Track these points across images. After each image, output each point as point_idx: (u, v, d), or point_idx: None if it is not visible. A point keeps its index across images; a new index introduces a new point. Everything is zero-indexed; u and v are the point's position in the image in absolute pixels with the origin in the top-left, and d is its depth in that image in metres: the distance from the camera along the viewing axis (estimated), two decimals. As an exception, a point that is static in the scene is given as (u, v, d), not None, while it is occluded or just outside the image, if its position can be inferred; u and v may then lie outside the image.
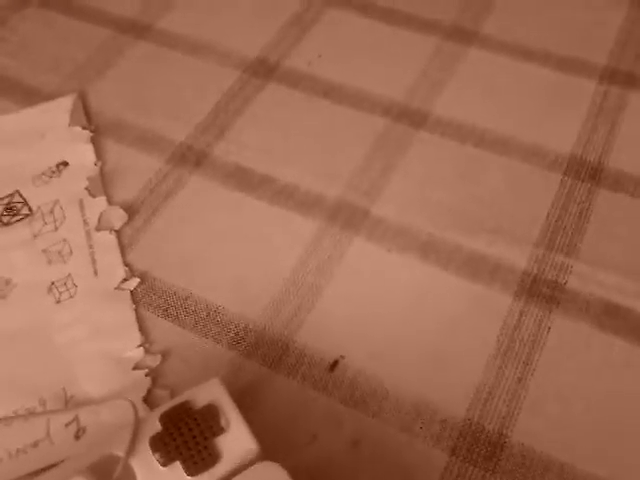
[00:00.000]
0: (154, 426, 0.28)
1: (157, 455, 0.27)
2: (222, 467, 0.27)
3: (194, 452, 0.27)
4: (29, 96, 0.44)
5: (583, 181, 0.38)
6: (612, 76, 0.43)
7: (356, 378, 0.32)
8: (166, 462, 0.27)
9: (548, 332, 0.33)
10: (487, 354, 0.32)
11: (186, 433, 0.28)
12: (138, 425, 0.28)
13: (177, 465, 0.27)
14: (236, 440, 0.27)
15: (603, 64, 0.43)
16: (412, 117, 0.41)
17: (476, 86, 0.43)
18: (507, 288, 0.34)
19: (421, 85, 0.43)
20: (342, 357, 0.32)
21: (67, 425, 0.31)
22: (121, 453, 0.27)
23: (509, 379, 0.31)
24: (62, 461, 0.28)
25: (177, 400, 0.29)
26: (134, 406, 0.30)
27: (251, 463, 0.27)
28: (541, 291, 0.34)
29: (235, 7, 0.48)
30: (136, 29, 0.48)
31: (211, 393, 0.29)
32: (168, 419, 0.28)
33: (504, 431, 0.30)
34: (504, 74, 0.43)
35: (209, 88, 0.44)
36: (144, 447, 0.28)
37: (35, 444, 0.31)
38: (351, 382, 0.31)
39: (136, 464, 0.27)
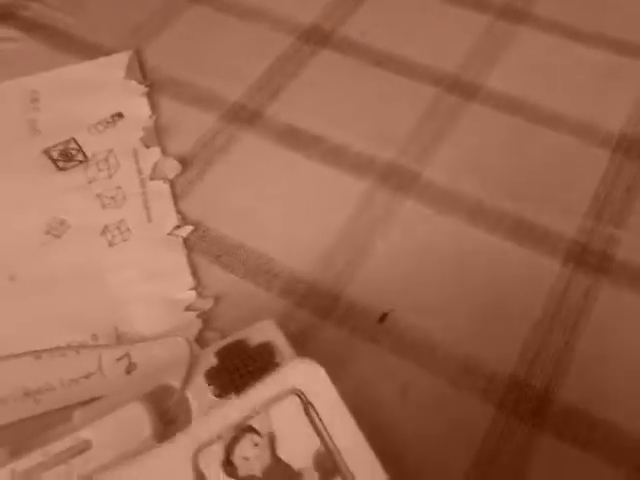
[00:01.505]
0: (209, 360, 0.29)
1: (212, 387, 0.28)
2: (276, 402, 0.28)
3: (249, 386, 0.28)
4: (88, 51, 0.45)
5: (632, 159, 0.38)
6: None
7: (405, 330, 0.32)
8: (221, 394, 0.27)
9: (595, 301, 0.33)
10: (534, 316, 0.32)
11: (241, 367, 0.28)
12: (194, 358, 0.29)
13: (231, 398, 0.27)
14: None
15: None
16: (464, 88, 0.42)
17: (527, 63, 0.43)
18: (555, 255, 0.34)
19: (473, 59, 0.44)
20: (392, 310, 0.33)
21: (118, 360, 0.32)
22: (176, 384, 0.28)
23: (556, 341, 0.32)
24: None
25: (232, 337, 0.29)
26: (189, 341, 0.31)
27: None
28: (589, 260, 0.34)
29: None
30: (192, -8, 0.48)
31: (266, 332, 0.29)
32: (224, 354, 0.29)
33: (550, 388, 0.30)
34: (555, 53, 0.44)
35: (263, 51, 0.44)
36: (199, 380, 0.28)
37: (87, 376, 0.31)
38: (401, 333, 0.32)
39: (191, 395, 0.28)
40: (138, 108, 0.41)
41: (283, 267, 0.35)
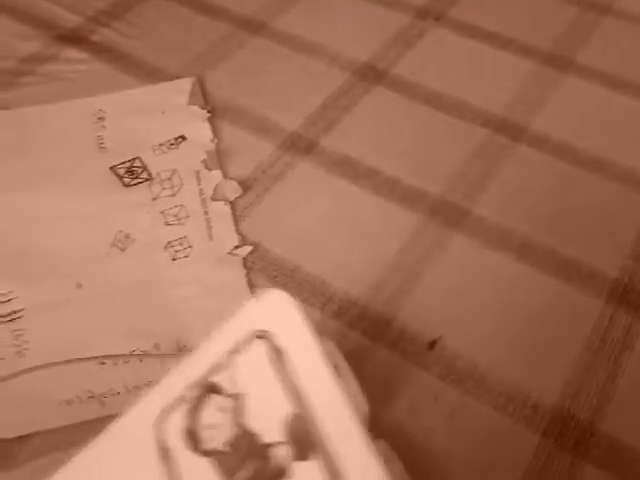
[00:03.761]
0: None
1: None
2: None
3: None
4: (151, 75, 0.47)
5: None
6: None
7: (453, 358, 0.33)
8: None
9: (637, 337, 0.34)
10: (577, 351, 0.34)
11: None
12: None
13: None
14: (348, 390, 0.29)
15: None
16: (511, 130, 0.44)
17: (572, 110, 0.45)
18: (599, 293, 0.36)
19: (520, 103, 0.46)
20: (440, 337, 0.34)
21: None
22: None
23: (599, 375, 0.33)
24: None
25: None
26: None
27: (362, 421, 0.29)
28: (631, 299, 0.36)
29: (349, 15, 0.52)
30: (253, 26, 0.51)
31: (325, 350, 0.31)
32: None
33: (594, 421, 0.31)
34: (599, 102, 0.46)
35: (319, 85, 0.47)
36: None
37: (149, 383, 0.33)
38: (449, 361, 0.33)
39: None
40: (200, 132, 0.43)
41: (336, 290, 0.36)
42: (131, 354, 0.34)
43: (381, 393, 0.32)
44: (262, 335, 0.22)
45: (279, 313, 0.22)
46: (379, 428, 0.30)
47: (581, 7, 0.53)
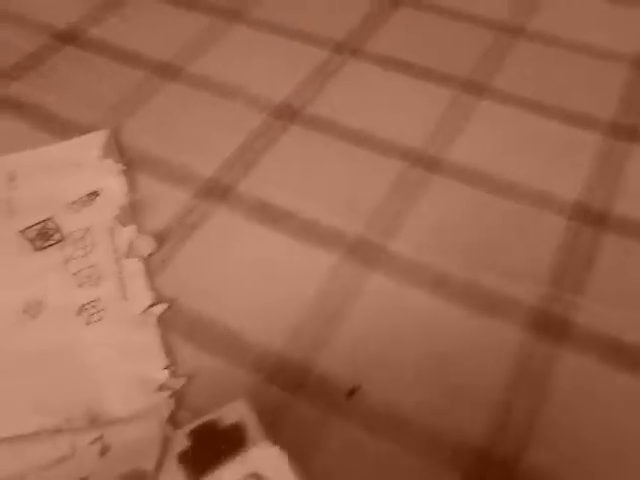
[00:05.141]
0: (182, 442, 0.29)
1: (185, 470, 0.28)
2: (247, 483, 0.28)
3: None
4: (65, 129, 0.46)
5: (588, 226, 0.40)
6: (615, 131, 0.45)
7: (374, 405, 0.33)
8: (194, 477, 0.28)
9: (558, 366, 0.34)
10: (499, 387, 0.33)
11: (213, 449, 0.29)
12: (166, 440, 0.29)
13: (203, 480, 0.28)
14: (263, 454, 0.29)
15: (608, 119, 0.46)
16: (428, 162, 0.44)
17: (488, 135, 0.45)
18: (516, 322, 0.36)
19: (437, 133, 0.45)
20: (360, 385, 0.34)
21: (93, 442, 0.32)
22: (149, 468, 0.29)
23: (523, 409, 0.33)
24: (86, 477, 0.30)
25: (204, 418, 0.30)
26: (161, 423, 0.31)
27: None
28: (550, 326, 0.36)
29: (264, 53, 0.51)
30: (169, 71, 0.50)
31: (237, 413, 0.30)
32: (195, 436, 0.29)
33: (518, 457, 0.31)
34: (514, 125, 0.46)
35: (236, 128, 0.46)
36: (172, 463, 0.29)
37: (61, 460, 0.32)
38: (369, 409, 0.33)
39: (164, 479, 0.28)
40: (114, 186, 0.42)
41: (255, 342, 0.35)
42: (40, 432, 0.33)
43: (301, 447, 0.32)
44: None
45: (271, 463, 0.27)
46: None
47: (494, 31, 0.53)
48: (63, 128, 0.46)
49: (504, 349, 0.35)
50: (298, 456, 0.30)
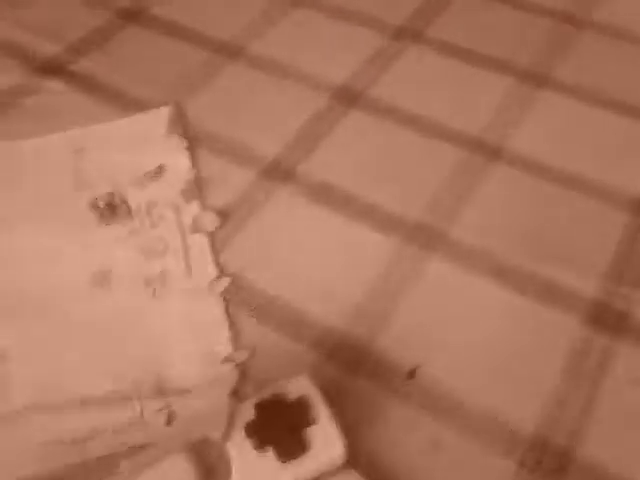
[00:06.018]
0: (248, 414, 0.30)
1: (251, 440, 0.29)
2: (311, 457, 0.29)
3: (286, 440, 0.29)
4: (130, 105, 0.47)
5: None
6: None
7: (433, 386, 0.34)
8: (260, 448, 0.29)
9: (615, 360, 0.34)
10: (556, 376, 0.34)
11: (279, 422, 0.30)
12: (232, 411, 0.30)
13: (269, 452, 0.29)
14: (325, 433, 0.29)
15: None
16: (488, 150, 0.44)
17: (549, 127, 0.45)
18: (576, 315, 0.36)
19: (497, 122, 0.46)
20: (419, 366, 0.34)
21: (159, 410, 0.33)
22: (216, 437, 0.30)
23: (578, 400, 0.33)
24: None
25: (269, 391, 0.31)
26: (228, 395, 0.32)
27: (338, 459, 0.30)
28: (608, 320, 0.36)
29: (325, 36, 0.52)
30: (230, 51, 0.51)
31: (301, 387, 0.31)
32: (262, 408, 0.30)
33: (572, 447, 0.31)
34: (577, 118, 0.46)
35: (297, 110, 0.47)
36: (238, 433, 0.30)
37: (129, 425, 0.33)
38: (427, 390, 0.33)
39: (231, 448, 0.29)
40: (179, 162, 0.44)
41: (316, 320, 0.36)
42: (111, 396, 0.34)
43: (360, 424, 0.32)
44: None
45: None
46: (357, 459, 0.30)
47: (557, 20, 0.53)
48: (128, 104, 0.47)
49: (562, 340, 0.35)
50: (352, 431, 0.31)
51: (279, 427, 0.30)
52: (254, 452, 0.29)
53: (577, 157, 0.43)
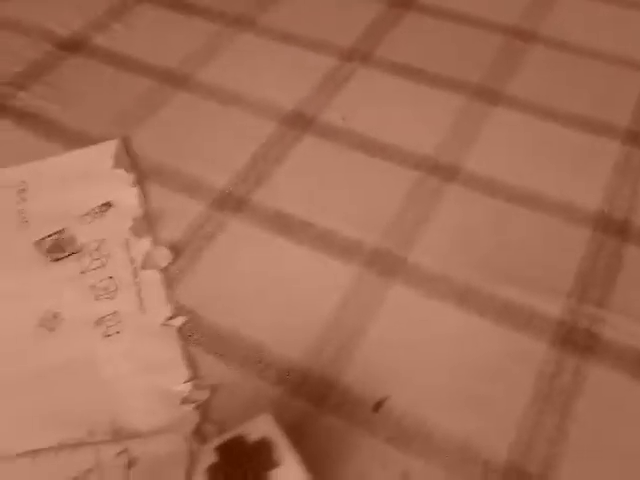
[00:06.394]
0: (210, 457, 0.29)
1: (214, 484, 0.28)
2: (278, 500, 0.28)
3: (249, 483, 0.28)
4: (75, 140, 0.46)
5: (611, 236, 0.40)
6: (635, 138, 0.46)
7: (401, 418, 0.33)
8: (223, 492, 0.28)
9: (585, 381, 0.34)
10: (526, 399, 0.33)
11: (242, 465, 0.28)
12: (193, 454, 0.29)
13: (233, 496, 0.28)
14: (290, 474, 0.28)
15: (625, 126, 0.46)
16: (443, 171, 0.44)
17: (503, 143, 0.45)
18: (542, 336, 0.36)
19: (451, 141, 0.45)
20: (386, 398, 0.33)
21: (118, 455, 0.32)
22: (178, 482, 0.28)
23: (548, 425, 0.32)
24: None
25: (231, 433, 0.30)
26: (187, 438, 0.31)
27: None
28: (576, 340, 0.35)
29: (273, 61, 0.51)
30: (177, 79, 0.50)
31: (263, 428, 0.30)
32: (224, 451, 0.29)
33: (546, 473, 0.31)
34: (531, 132, 0.46)
35: (247, 137, 0.46)
36: (200, 477, 0.28)
37: (85, 473, 0.31)
38: (395, 422, 0.32)
39: (193, 494, 0.28)
40: (127, 197, 0.42)
41: (276, 355, 0.35)
42: (64, 445, 0.32)
43: (328, 462, 0.31)
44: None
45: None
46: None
47: (507, 36, 0.53)
48: (72, 138, 0.46)
49: (530, 362, 0.35)
50: (321, 470, 0.30)
51: (242, 470, 0.28)
52: (217, 499, 0.28)
53: (534, 174, 0.43)
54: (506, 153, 0.45)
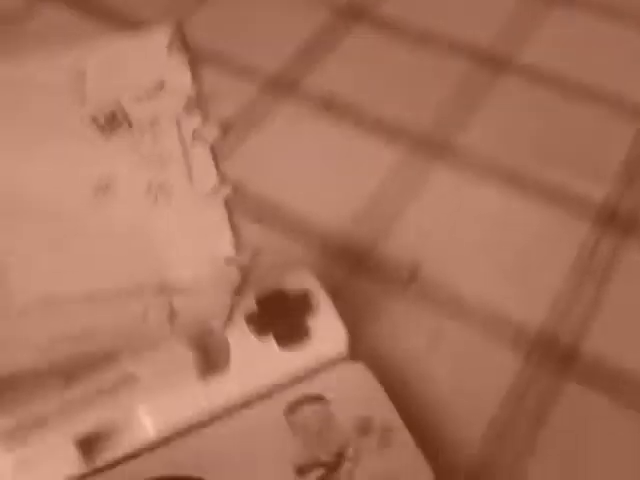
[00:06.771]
0: (249, 305, 0.30)
1: (252, 327, 0.29)
2: (313, 344, 0.29)
3: (287, 327, 0.29)
4: (130, 24, 0.46)
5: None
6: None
7: (436, 286, 0.33)
8: (260, 333, 0.29)
9: (622, 259, 0.34)
10: (563, 272, 0.33)
11: (280, 311, 0.30)
12: (234, 304, 0.30)
13: (270, 338, 0.29)
14: (327, 322, 0.29)
15: None
16: (497, 61, 0.43)
17: (560, 39, 0.44)
18: (585, 217, 0.35)
19: (505, 34, 0.45)
20: (422, 266, 0.34)
21: (161, 307, 0.33)
22: (216, 326, 0.30)
23: (584, 295, 0.32)
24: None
25: (270, 284, 0.31)
26: (228, 291, 0.32)
27: (340, 347, 0.29)
28: (618, 222, 0.35)
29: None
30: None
31: (303, 281, 0.31)
32: (264, 300, 0.30)
33: (579, 341, 0.31)
34: (591, 30, 0.45)
35: (300, 24, 0.46)
36: (239, 321, 0.30)
37: (132, 321, 0.33)
38: (431, 289, 0.33)
39: (231, 335, 0.29)
40: (180, 78, 0.43)
41: (318, 226, 0.36)
42: (114, 293, 0.34)
43: (363, 321, 0.32)
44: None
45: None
46: (360, 353, 0.30)
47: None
48: (127, 23, 0.47)
49: (570, 240, 0.35)
50: (354, 326, 0.30)
51: (280, 316, 0.29)
52: (254, 339, 0.29)
53: (587, 67, 0.42)
54: (561, 48, 0.44)
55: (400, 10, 0.46)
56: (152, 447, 0.27)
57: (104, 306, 0.33)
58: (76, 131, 0.41)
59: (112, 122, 0.41)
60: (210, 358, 0.28)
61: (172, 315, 0.33)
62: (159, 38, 0.45)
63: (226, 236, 0.35)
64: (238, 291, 0.34)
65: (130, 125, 0.41)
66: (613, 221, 0.35)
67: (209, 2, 0.48)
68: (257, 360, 0.28)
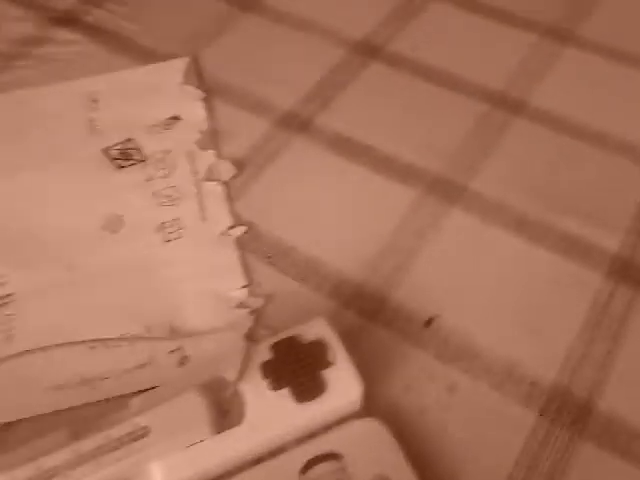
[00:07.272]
0: (264, 354, 0.30)
1: (268, 380, 0.29)
2: (328, 398, 0.28)
3: (303, 380, 0.29)
4: (145, 56, 0.46)
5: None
6: None
7: (450, 335, 0.33)
8: (276, 387, 0.29)
9: (636, 312, 0.34)
10: (576, 327, 0.33)
11: (295, 363, 0.29)
12: (248, 352, 0.30)
13: (285, 392, 0.28)
14: (342, 375, 0.29)
15: None
16: (510, 104, 0.43)
17: (573, 83, 0.44)
18: (598, 268, 0.35)
19: (520, 76, 0.45)
20: (437, 315, 0.34)
21: (172, 352, 0.33)
22: (230, 376, 0.29)
23: (598, 350, 0.32)
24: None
25: (286, 333, 0.30)
26: (240, 337, 0.32)
27: (355, 401, 0.29)
28: (631, 274, 0.35)
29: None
30: (247, 3, 0.50)
31: (318, 330, 0.30)
32: (278, 348, 0.30)
33: (592, 397, 0.31)
34: (600, 73, 0.45)
35: (315, 62, 0.46)
36: (254, 373, 0.29)
37: (140, 367, 0.32)
38: (445, 339, 0.33)
39: (245, 388, 0.29)
40: (195, 112, 0.43)
41: (332, 269, 0.36)
42: (122, 338, 0.33)
43: (376, 371, 0.32)
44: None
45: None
46: (374, 406, 0.30)
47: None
48: (143, 54, 0.47)
49: (583, 292, 0.34)
50: (369, 379, 0.30)
51: (296, 368, 0.29)
52: (269, 392, 0.28)
53: (600, 113, 0.42)
54: (575, 92, 0.44)
55: (414, 49, 0.46)
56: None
57: (112, 350, 0.33)
58: (88, 162, 0.40)
59: (125, 155, 0.41)
60: (224, 412, 0.28)
61: (183, 360, 0.33)
62: (174, 71, 0.45)
63: (238, 279, 0.35)
64: (250, 336, 0.33)
65: (143, 159, 0.40)
66: (627, 272, 0.35)
67: (226, 36, 0.48)
68: (272, 415, 0.28)
